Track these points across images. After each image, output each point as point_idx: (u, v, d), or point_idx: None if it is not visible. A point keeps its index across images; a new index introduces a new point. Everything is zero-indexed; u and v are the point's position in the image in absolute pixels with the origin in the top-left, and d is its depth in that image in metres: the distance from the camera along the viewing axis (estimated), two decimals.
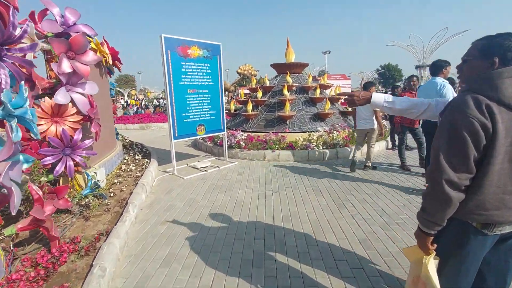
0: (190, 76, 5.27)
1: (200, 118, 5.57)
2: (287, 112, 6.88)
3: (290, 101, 7.10)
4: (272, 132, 6.55)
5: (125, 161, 5.62)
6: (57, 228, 2.25)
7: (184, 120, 5.29)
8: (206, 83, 5.59)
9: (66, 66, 3.12)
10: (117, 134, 7.66)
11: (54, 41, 3.04)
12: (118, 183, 4.30)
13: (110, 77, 6.84)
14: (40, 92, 3.06)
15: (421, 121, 4.83)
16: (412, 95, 5.34)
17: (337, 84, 8.57)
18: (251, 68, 31.25)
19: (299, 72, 8.51)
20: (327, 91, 8.83)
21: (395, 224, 3.00)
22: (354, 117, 5.47)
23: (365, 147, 5.46)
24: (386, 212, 3.31)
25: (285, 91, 7.14)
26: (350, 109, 7.65)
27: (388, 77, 68.61)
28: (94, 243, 2.52)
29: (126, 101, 30.23)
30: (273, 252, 2.56)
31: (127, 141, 8.25)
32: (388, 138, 7.04)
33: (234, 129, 7.48)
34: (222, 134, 6.13)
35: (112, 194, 3.84)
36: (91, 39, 4.30)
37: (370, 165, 5.19)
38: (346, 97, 1.63)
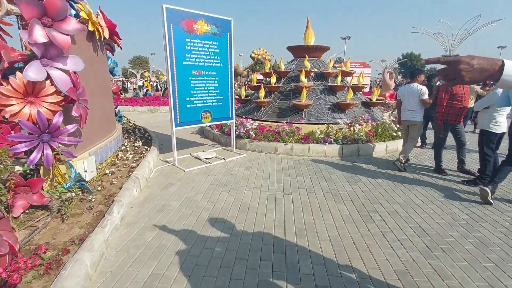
0: (195, 56, 4.62)
1: (206, 104, 4.96)
2: (303, 100, 6.16)
3: (307, 89, 6.36)
4: (286, 123, 5.88)
5: (124, 147, 5.14)
6: (4, 243, 1.76)
7: (188, 106, 4.70)
8: (214, 64, 4.94)
9: (39, 34, 2.54)
10: (120, 117, 7.20)
11: (21, 2, 2.45)
12: (110, 174, 3.82)
13: (112, 54, 6.30)
14: (7, 65, 2.51)
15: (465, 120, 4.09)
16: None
17: (361, 71, 7.70)
18: (265, 52, 30.07)
19: (318, 56, 7.67)
20: (348, 79, 7.99)
21: (439, 250, 2.36)
22: (399, 108, 4.79)
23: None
24: (425, 231, 2.66)
25: (302, 77, 6.39)
26: (374, 99, 6.84)
27: (409, 67, 65.25)
28: (60, 256, 2.03)
29: (142, 84, 29.89)
30: (283, 280, 1.99)
31: (131, 124, 7.80)
32: None
33: (244, 117, 6.84)
34: (231, 123, 5.52)
35: (100, 188, 3.35)
36: (81, 5, 3.70)
37: (402, 161, 4.49)
38: (444, 67, 0.91)
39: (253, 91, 8.51)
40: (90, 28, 3.88)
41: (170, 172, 4.35)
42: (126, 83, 27.80)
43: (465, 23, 29.47)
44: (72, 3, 3.51)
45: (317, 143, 5.44)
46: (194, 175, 4.21)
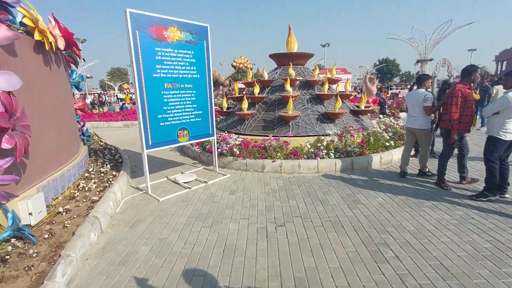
0: (168, 67, 4.07)
1: (182, 121, 4.39)
2: (290, 111, 5.73)
3: (293, 98, 5.95)
4: (273, 137, 5.41)
5: (88, 174, 4.43)
6: None
7: (161, 124, 4.11)
8: (190, 75, 4.40)
9: None
10: (88, 136, 6.45)
11: None
12: (64, 213, 3.13)
13: (76, 67, 5.62)
14: None
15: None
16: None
17: (348, 78, 7.43)
18: (247, 61, 29.85)
19: (302, 64, 7.33)
20: (334, 87, 7.70)
21: None
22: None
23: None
24: (449, 270, 2.21)
25: (287, 86, 5.98)
26: (362, 107, 6.54)
27: (385, 72, 67.70)
28: None
29: (117, 96, 28.67)
30: None
31: (101, 144, 7.03)
32: None
33: (226, 131, 6.32)
34: (212, 139, 4.96)
35: (48, 235, 2.68)
36: (23, 10, 3.08)
37: (426, 170, 4.49)
38: None
39: (236, 102, 8.01)
40: (37, 37, 3.26)
41: (141, 203, 3.71)
42: (102, 96, 26.45)
43: (437, 28, 30.81)
44: (7, 6, 2.88)
45: (308, 158, 4.99)
46: (169, 206, 3.60)
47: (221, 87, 24.42)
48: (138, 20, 3.64)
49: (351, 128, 5.53)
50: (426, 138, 4.40)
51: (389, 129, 6.40)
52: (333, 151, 4.98)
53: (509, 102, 3.20)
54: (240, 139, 5.41)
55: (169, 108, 4.17)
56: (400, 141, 5.86)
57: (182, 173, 4.97)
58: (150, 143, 4.01)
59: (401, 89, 32.79)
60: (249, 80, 7.25)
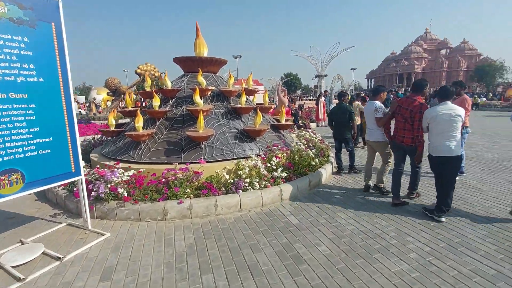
0: None
1: (8, 157, 2.50)
2: (201, 130, 4.47)
3: (204, 113, 4.72)
4: (179, 167, 4.00)
5: None
6: None
7: None
8: (21, 78, 2.58)
9: None
10: None
11: None
12: None
13: None
14: None
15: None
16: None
17: (265, 88, 6.76)
18: (154, 68, 26.84)
19: (214, 71, 6.21)
20: (251, 98, 6.91)
21: None
22: (364, 126, 4.42)
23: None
24: None
25: (197, 98, 4.71)
26: (283, 121, 5.92)
27: (290, 85, 75.14)
28: None
29: None
30: None
31: None
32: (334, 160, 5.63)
33: (116, 157, 4.52)
34: (78, 180, 3.16)
35: None
36: None
37: (381, 186, 4.20)
38: None
39: (130, 119, 6.17)
40: None
41: None
42: None
43: (328, 49, 35.85)
44: None
45: (227, 191, 3.83)
46: None
47: (122, 96, 20.84)
48: None
49: (275, 147, 4.72)
50: (382, 151, 4.13)
51: (310, 144, 5.99)
52: (257, 180, 3.98)
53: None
54: (131, 173, 3.76)
55: None
56: (323, 157, 5.45)
57: (20, 242, 2.94)
58: None
59: (306, 100, 36.37)
60: (147, 89, 5.61)
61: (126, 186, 3.57)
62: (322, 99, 13.95)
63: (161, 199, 3.48)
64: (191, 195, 3.63)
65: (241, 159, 4.43)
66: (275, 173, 4.16)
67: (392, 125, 3.87)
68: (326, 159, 5.45)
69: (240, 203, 3.69)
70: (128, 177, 3.65)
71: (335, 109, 5.45)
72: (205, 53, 5.95)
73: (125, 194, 3.47)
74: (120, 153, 4.74)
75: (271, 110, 6.23)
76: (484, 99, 26.11)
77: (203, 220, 3.43)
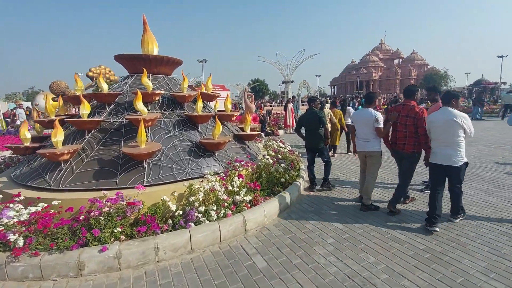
0: None
1: None
2: (143, 144, 3.53)
3: (149, 123, 3.79)
4: (110, 192, 3.01)
5: None
6: None
7: None
8: None
9: None
10: None
11: None
12: None
13: None
14: None
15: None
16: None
17: (227, 93, 5.96)
18: (109, 71, 24.61)
19: (167, 73, 5.26)
20: (212, 105, 6.08)
21: None
22: (353, 135, 4.26)
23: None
24: None
25: (139, 104, 3.76)
26: (248, 130, 5.17)
27: (258, 91, 75.44)
28: None
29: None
30: None
31: None
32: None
33: (26, 183, 3.39)
34: None
35: None
36: None
37: (369, 203, 3.76)
38: None
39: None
40: None
41: None
42: None
43: (294, 55, 36.39)
44: None
45: (174, 226, 2.94)
46: None
47: (69, 104, 18.54)
48: None
49: (237, 163, 3.93)
50: (377, 162, 3.82)
51: (279, 155, 5.32)
52: (214, 208, 3.14)
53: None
54: (34, 209, 2.68)
55: None
56: (293, 170, 4.80)
57: None
58: None
59: (271, 106, 36.35)
60: (78, 93, 4.49)
61: (23, 228, 2.50)
62: (290, 105, 13.56)
63: (74, 246, 2.47)
64: (123, 234, 2.67)
65: (196, 180, 3.56)
66: (237, 197, 3.36)
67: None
68: (297, 172, 4.81)
69: (191, 242, 2.81)
70: (27, 216, 2.58)
71: (305, 115, 4.86)
72: (154, 51, 5.00)
73: (21, 242, 2.40)
74: (32, 177, 3.58)
75: (235, 117, 5.45)
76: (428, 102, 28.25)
77: (137, 272, 2.50)
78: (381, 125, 3.68)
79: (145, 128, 3.74)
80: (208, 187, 3.23)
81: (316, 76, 47.04)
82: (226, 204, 3.25)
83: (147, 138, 3.86)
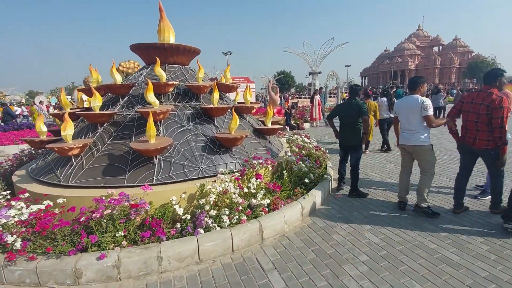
0: None
1: None
2: (152, 139, 3.25)
3: (160, 116, 3.50)
4: (118, 190, 2.77)
5: None
6: None
7: None
8: None
9: None
10: None
11: None
12: None
13: None
14: None
15: None
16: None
17: (247, 85, 5.54)
18: (138, 65, 25.22)
19: (184, 63, 4.96)
20: (232, 96, 5.71)
21: None
22: (396, 127, 3.53)
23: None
24: None
25: (150, 96, 3.49)
26: (269, 124, 4.73)
27: (284, 83, 73.96)
28: None
29: None
30: None
31: None
32: None
33: (39, 178, 3.31)
34: None
35: None
36: None
37: (425, 206, 3.21)
38: None
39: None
40: None
41: None
42: None
43: (322, 45, 34.73)
44: None
45: (182, 231, 2.62)
46: None
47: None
48: None
49: (255, 160, 3.52)
50: (427, 158, 3.23)
51: (303, 151, 4.83)
52: (227, 212, 2.77)
53: None
54: (35, 208, 2.52)
55: None
56: (319, 168, 4.29)
57: None
58: None
59: (298, 98, 35.18)
60: (93, 85, 4.35)
61: (21, 229, 2.34)
62: (317, 96, 12.77)
63: (72, 251, 2.25)
64: (125, 240, 2.41)
65: (210, 179, 3.22)
66: (254, 200, 2.96)
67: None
68: (323, 172, 4.29)
69: (199, 252, 2.48)
70: (27, 216, 2.41)
71: (343, 105, 4.18)
72: (171, 39, 4.71)
73: (18, 245, 2.23)
74: (45, 171, 3.49)
75: (255, 109, 5.02)
76: None
77: (139, 283, 2.22)
78: (431, 112, 3.10)
79: (156, 122, 3.48)
80: (221, 189, 2.86)
81: (345, 66, 44.68)
82: (240, 208, 2.87)
83: (159, 132, 3.59)
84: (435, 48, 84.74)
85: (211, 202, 2.78)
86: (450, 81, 67.03)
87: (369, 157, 6.16)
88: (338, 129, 4.27)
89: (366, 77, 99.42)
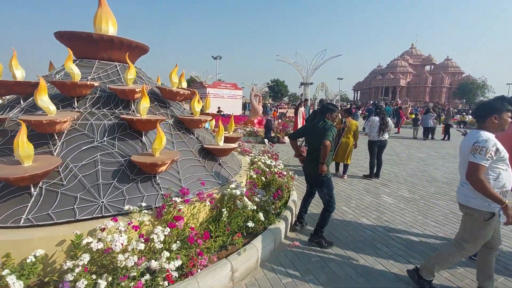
0: None
1: None
2: (26, 160, 2.29)
3: (53, 127, 2.55)
4: None
5: None
6: None
7: None
8: None
9: None
10: None
11: None
12: None
13: None
14: None
15: None
16: None
17: (208, 92, 4.63)
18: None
19: (122, 61, 4.02)
20: (197, 106, 4.80)
21: None
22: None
23: None
24: None
25: (41, 98, 2.54)
26: (220, 142, 3.81)
27: (276, 92, 73.61)
28: None
29: None
30: None
31: None
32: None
33: None
34: None
35: None
36: None
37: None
38: None
39: None
40: None
41: None
42: None
43: (315, 56, 34.45)
44: None
45: None
46: None
47: None
48: None
49: (178, 196, 2.59)
50: (473, 226, 2.14)
51: (263, 178, 3.95)
52: (104, 285, 1.81)
53: None
54: None
55: None
56: (277, 200, 3.39)
57: None
58: None
59: (288, 108, 34.53)
60: None
61: None
62: (302, 109, 11.94)
63: None
64: None
65: (102, 219, 2.27)
66: (154, 263, 2.01)
67: None
68: (281, 207, 3.39)
69: None
70: None
71: (310, 126, 3.30)
72: (109, 30, 3.80)
73: None
74: None
75: (203, 124, 4.11)
76: (470, 116, 25.33)
77: None
78: (482, 162, 1.96)
79: (52, 134, 2.54)
80: (100, 247, 1.91)
81: (338, 79, 44.58)
82: (133, 273, 1.92)
83: (55, 148, 2.63)
84: (427, 67, 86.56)
85: (80, 266, 1.82)
86: (441, 100, 68.20)
87: (346, 184, 5.32)
88: (305, 153, 3.41)
89: (359, 91, 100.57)
